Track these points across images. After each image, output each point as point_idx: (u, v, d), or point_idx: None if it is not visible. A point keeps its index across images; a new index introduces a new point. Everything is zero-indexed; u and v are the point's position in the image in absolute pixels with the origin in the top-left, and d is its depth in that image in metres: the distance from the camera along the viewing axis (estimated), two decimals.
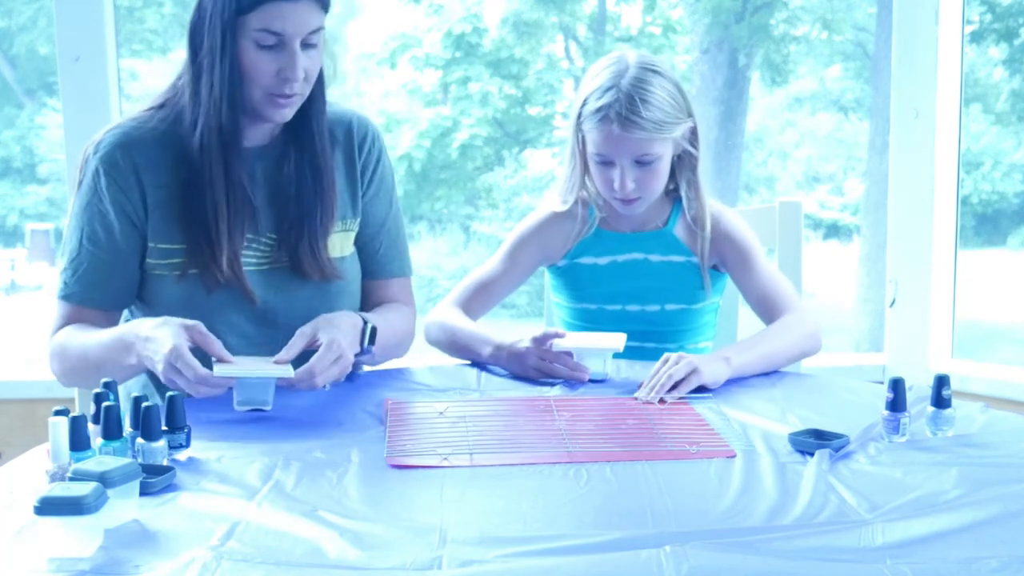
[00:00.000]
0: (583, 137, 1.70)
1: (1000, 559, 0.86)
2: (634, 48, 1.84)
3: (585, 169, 1.74)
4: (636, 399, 1.41)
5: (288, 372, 1.32)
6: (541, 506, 1.00)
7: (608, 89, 1.64)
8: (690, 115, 1.69)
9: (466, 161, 15.87)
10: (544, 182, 16.67)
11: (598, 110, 1.64)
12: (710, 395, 1.43)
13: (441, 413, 1.34)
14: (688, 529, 0.93)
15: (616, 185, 1.67)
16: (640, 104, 1.62)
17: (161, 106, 1.54)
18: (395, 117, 15.69)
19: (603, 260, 1.76)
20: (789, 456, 1.14)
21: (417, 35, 15.76)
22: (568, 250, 1.77)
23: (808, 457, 1.12)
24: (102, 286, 1.52)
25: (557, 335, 1.56)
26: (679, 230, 1.76)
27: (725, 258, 1.75)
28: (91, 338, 1.48)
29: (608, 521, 0.95)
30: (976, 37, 11.07)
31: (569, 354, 1.54)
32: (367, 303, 1.67)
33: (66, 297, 1.53)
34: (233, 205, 1.49)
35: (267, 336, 1.52)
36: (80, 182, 1.54)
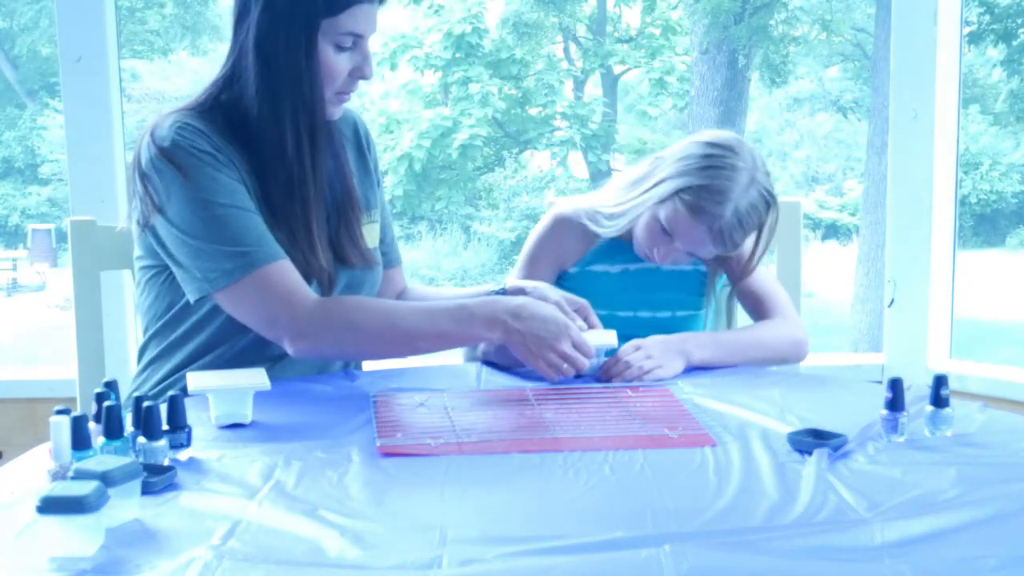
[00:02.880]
0: (663, 197, 1.63)
1: (998, 558, 0.87)
2: (751, 142, 1.74)
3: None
4: (609, 387, 1.46)
5: (264, 384, 1.28)
6: (541, 505, 1.01)
7: (723, 200, 1.58)
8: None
9: (466, 161, 15.93)
10: (544, 182, 16.73)
11: (700, 209, 1.59)
12: (676, 381, 1.49)
13: (422, 403, 1.35)
14: (688, 528, 0.93)
15: (658, 256, 1.67)
16: (741, 232, 1.61)
17: (210, 108, 1.52)
18: (395, 117, 15.75)
19: (616, 268, 1.76)
20: (788, 456, 1.14)
21: (417, 36, 15.81)
22: (581, 256, 1.77)
23: (807, 456, 1.13)
24: (273, 241, 1.47)
25: None
26: None
27: (727, 259, 1.75)
28: (406, 314, 1.47)
29: (608, 520, 0.96)
30: (975, 38, 11.10)
31: None
32: (385, 292, 1.72)
33: (264, 259, 1.43)
34: (318, 186, 1.53)
35: None
36: (174, 173, 1.45)
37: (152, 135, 1.49)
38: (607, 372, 1.51)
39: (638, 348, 1.53)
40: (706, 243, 1.62)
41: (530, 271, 1.78)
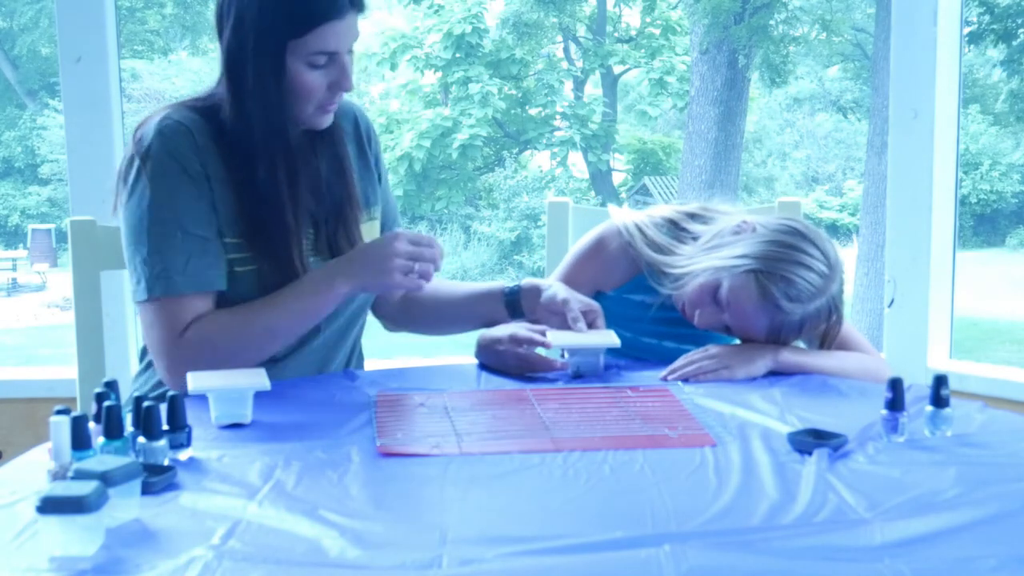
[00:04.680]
0: (738, 269, 1.54)
1: (998, 558, 0.87)
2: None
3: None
4: (609, 386, 1.45)
5: (264, 384, 1.28)
6: (541, 505, 1.01)
7: (796, 301, 1.52)
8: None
9: (466, 161, 15.93)
10: (544, 182, 16.73)
11: (773, 296, 1.52)
12: (677, 382, 1.48)
13: (422, 404, 1.35)
14: (687, 528, 0.93)
15: (698, 318, 1.59)
16: (796, 334, 1.56)
17: (203, 109, 1.51)
18: (395, 117, 15.74)
19: (654, 300, 1.67)
20: (788, 456, 1.14)
21: (417, 36, 15.82)
22: (622, 283, 1.69)
23: (807, 456, 1.13)
24: (205, 270, 1.46)
25: (540, 343, 1.52)
26: None
27: None
28: (257, 311, 1.46)
29: (608, 521, 0.96)
30: (974, 38, 11.11)
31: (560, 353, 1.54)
32: None
33: (168, 290, 1.44)
34: (298, 213, 1.51)
35: (309, 331, 1.52)
36: (140, 177, 1.46)
37: (140, 130, 1.49)
38: (670, 371, 1.50)
39: (706, 350, 1.52)
40: (759, 329, 1.55)
41: (567, 283, 1.67)
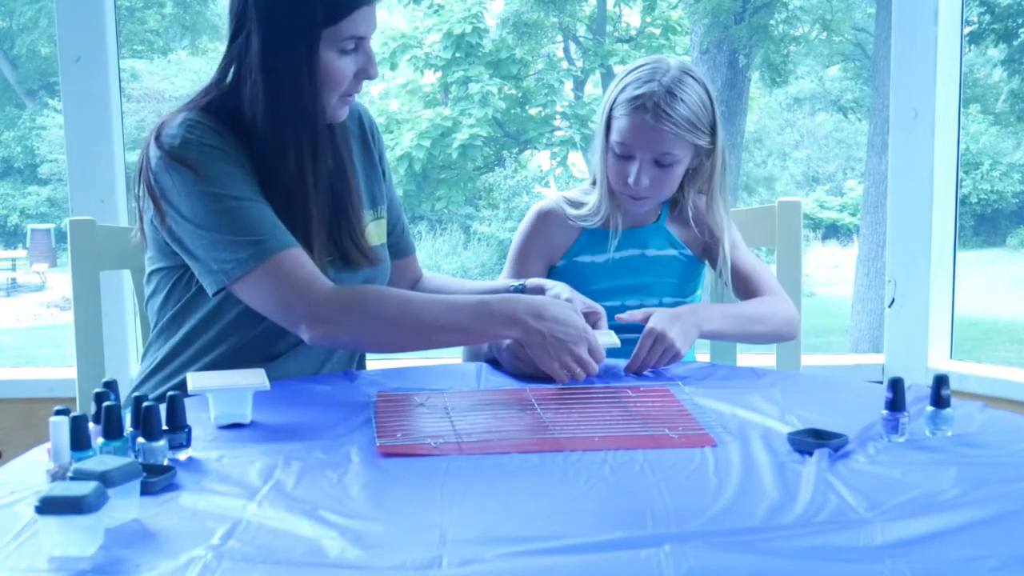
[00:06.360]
0: (606, 127, 1.74)
1: (999, 558, 0.86)
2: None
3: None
4: (609, 386, 1.46)
5: (264, 384, 1.28)
6: (541, 505, 1.01)
7: (648, 81, 1.70)
8: (715, 132, 1.74)
9: (466, 161, 15.92)
10: (544, 182, 16.70)
11: (635, 98, 1.69)
12: (677, 381, 1.49)
13: (422, 404, 1.35)
14: (688, 528, 0.93)
15: (631, 180, 1.72)
16: (677, 100, 1.68)
17: (211, 108, 1.51)
18: (395, 117, 15.71)
19: (601, 258, 1.81)
20: (788, 456, 1.14)
21: (417, 36, 15.80)
22: (567, 248, 1.82)
23: (807, 457, 1.13)
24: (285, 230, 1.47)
25: None
26: (671, 224, 1.85)
27: (710, 242, 1.82)
28: (426, 303, 1.45)
29: (608, 521, 0.96)
30: (975, 38, 11.11)
31: None
32: (400, 281, 1.73)
33: (267, 251, 1.43)
34: (320, 204, 1.53)
35: None
36: (182, 171, 1.46)
37: (160, 134, 1.49)
38: (628, 368, 1.54)
39: (651, 337, 1.54)
40: (655, 129, 1.68)
41: (520, 268, 1.82)
